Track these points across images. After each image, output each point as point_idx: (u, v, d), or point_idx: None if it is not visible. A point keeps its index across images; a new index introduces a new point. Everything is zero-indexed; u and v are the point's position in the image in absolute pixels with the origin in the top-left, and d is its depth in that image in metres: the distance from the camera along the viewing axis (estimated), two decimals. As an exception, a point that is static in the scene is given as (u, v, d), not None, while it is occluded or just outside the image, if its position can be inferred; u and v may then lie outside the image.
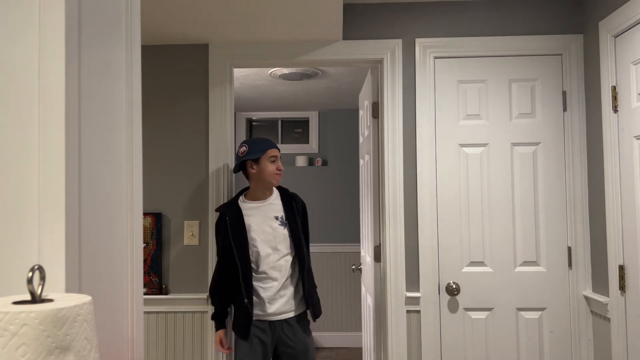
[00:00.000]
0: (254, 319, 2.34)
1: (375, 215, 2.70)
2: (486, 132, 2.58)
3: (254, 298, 2.35)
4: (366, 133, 2.86)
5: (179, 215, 2.67)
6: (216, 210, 2.50)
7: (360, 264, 3.33)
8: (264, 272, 2.36)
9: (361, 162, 3.26)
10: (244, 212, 2.40)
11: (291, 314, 2.38)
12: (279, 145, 5.08)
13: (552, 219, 2.54)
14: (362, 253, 3.24)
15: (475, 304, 2.55)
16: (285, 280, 2.37)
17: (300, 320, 2.41)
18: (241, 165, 2.47)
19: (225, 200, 2.63)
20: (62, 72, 0.86)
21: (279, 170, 2.45)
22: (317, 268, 4.83)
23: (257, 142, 2.45)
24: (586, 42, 2.53)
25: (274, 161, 2.43)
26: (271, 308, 2.35)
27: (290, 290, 2.38)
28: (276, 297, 2.36)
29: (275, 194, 2.49)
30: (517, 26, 2.60)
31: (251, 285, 2.33)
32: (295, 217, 2.42)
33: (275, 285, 2.36)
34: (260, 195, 2.45)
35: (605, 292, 2.34)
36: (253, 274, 2.36)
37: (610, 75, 2.26)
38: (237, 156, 2.52)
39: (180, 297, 2.63)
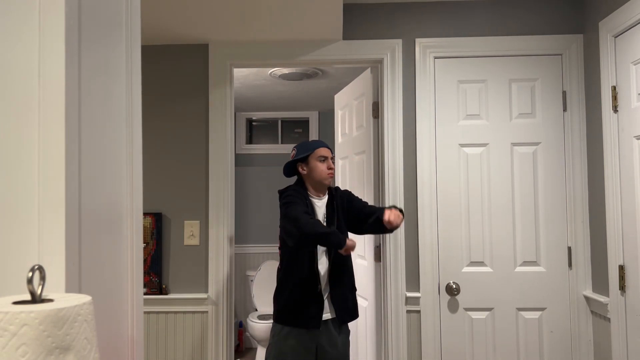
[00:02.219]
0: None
1: (375, 215, 2.70)
2: (486, 132, 2.58)
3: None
4: (353, 133, 2.85)
5: (179, 215, 2.67)
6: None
7: None
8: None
9: (340, 162, 3.27)
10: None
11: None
12: (279, 146, 5.10)
13: (552, 219, 2.54)
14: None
15: (476, 304, 2.55)
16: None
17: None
18: (294, 169, 2.40)
19: (226, 200, 2.64)
20: (62, 72, 0.86)
21: (330, 169, 2.35)
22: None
23: (305, 143, 2.39)
24: (586, 42, 2.53)
25: (323, 160, 2.34)
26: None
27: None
28: None
29: (326, 196, 2.41)
30: (517, 26, 2.60)
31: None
32: (334, 215, 2.33)
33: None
34: (315, 195, 2.38)
35: (605, 292, 2.34)
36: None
37: (610, 75, 2.26)
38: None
39: (180, 297, 2.63)
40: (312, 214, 2.28)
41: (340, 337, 2.33)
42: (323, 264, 2.29)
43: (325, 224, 2.32)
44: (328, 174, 2.35)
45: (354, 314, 2.37)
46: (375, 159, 2.71)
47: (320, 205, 2.36)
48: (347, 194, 2.44)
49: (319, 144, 2.39)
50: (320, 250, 2.30)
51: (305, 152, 2.36)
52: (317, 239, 2.12)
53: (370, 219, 2.30)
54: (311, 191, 2.37)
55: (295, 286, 2.26)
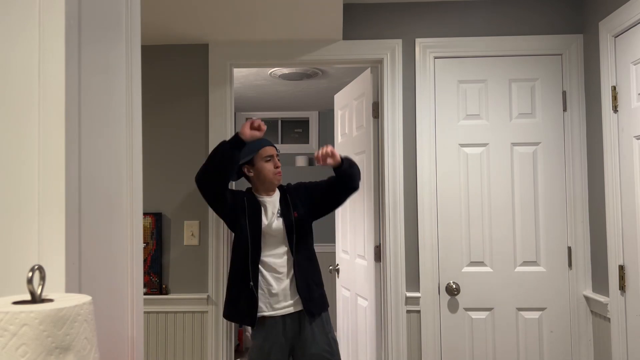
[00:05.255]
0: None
1: (375, 215, 2.70)
2: (486, 132, 2.58)
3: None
4: (353, 133, 2.85)
5: (179, 215, 2.67)
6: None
7: (337, 265, 3.33)
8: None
9: None
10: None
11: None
12: (279, 146, 5.10)
13: (552, 219, 2.54)
14: (342, 254, 3.26)
15: (476, 304, 2.55)
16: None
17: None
18: (239, 172, 2.40)
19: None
20: (62, 72, 0.86)
21: (277, 168, 2.35)
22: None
23: (248, 144, 2.26)
24: (586, 42, 2.53)
25: (269, 160, 2.34)
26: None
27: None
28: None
29: (277, 193, 2.43)
30: (517, 26, 2.60)
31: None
32: (289, 208, 2.34)
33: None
34: (265, 194, 2.40)
35: (605, 292, 2.34)
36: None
37: (610, 75, 2.26)
38: None
39: (180, 297, 2.63)
40: (258, 212, 2.29)
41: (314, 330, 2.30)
42: (275, 256, 2.30)
43: (280, 218, 2.32)
44: (276, 174, 2.34)
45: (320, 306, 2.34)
46: (375, 159, 2.71)
47: (271, 201, 2.36)
48: (300, 185, 2.46)
49: (262, 142, 2.32)
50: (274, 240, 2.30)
51: (249, 153, 2.31)
52: (214, 156, 2.19)
53: (331, 186, 2.33)
54: (260, 191, 2.39)
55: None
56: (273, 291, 2.28)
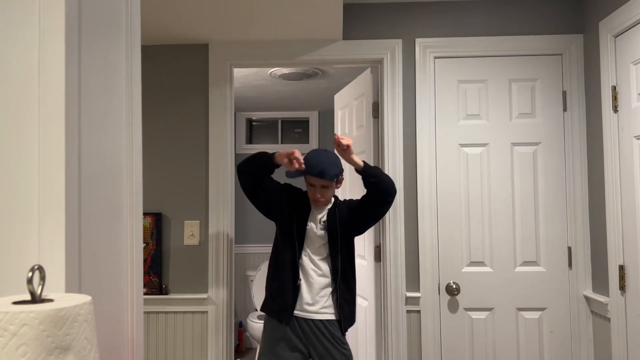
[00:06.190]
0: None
1: (375, 215, 2.70)
2: (486, 132, 2.58)
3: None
4: (353, 133, 2.85)
5: (179, 215, 2.67)
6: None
7: None
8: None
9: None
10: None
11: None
12: (279, 145, 5.09)
13: (552, 219, 2.54)
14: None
15: (476, 304, 2.55)
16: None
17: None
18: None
19: (226, 200, 2.64)
20: (62, 72, 0.86)
21: (315, 196, 2.25)
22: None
23: (309, 159, 2.22)
24: (586, 42, 2.53)
25: (312, 186, 2.25)
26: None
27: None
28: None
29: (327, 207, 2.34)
30: (517, 26, 2.60)
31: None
32: (335, 223, 2.26)
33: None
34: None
35: (605, 292, 2.34)
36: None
37: (610, 75, 2.26)
38: None
39: (180, 297, 2.63)
40: (299, 212, 2.26)
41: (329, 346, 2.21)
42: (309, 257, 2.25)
43: (322, 231, 2.26)
44: (313, 200, 2.27)
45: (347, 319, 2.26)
46: (375, 159, 2.71)
47: (319, 211, 2.29)
48: (348, 201, 2.36)
49: (313, 169, 2.21)
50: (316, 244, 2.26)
51: (298, 175, 2.24)
52: (253, 159, 2.23)
53: (366, 196, 2.25)
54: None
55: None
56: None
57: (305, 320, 2.21)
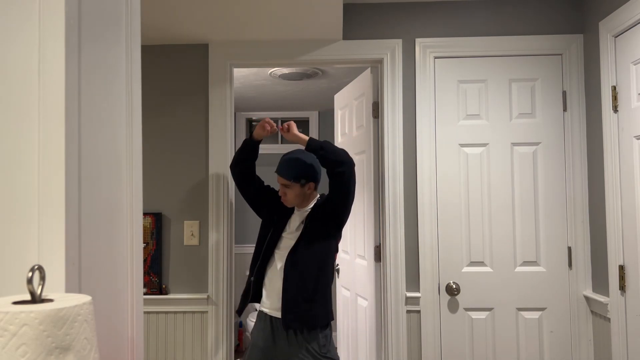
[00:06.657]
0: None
1: (375, 215, 2.70)
2: (486, 132, 2.58)
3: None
4: (353, 133, 2.85)
5: (179, 215, 2.67)
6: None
7: (337, 265, 3.33)
8: None
9: None
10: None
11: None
12: (279, 145, 5.10)
13: (552, 219, 2.54)
14: (343, 254, 3.27)
15: (476, 304, 2.55)
16: None
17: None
18: None
19: (226, 200, 2.65)
20: (62, 72, 0.86)
21: (280, 195, 2.36)
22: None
23: (280, 158, 2.38)
24: (586, 42, 2.53)
25: (281, 185, 2.33)
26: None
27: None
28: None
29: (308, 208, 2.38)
30: (517, 26, 2.60)
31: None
32: (313, 223, 2.28)
33: None
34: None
35: (605, 292, 2.34)
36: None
37: (610, 75, 2.26)
38: None
39: (180, 297, 2.63)
40: (279, 215, 2.38)
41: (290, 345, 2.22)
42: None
43: (295, 233, 2.31)
44: (282, 199, 2.37)
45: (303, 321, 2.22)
46: (375, 159, 2.71)
47: (299, 214, 2.35)
48: (323, 200, 2.35)
49: (279, 168, 2.33)
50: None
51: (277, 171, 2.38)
52: (236, 154, 2.45)
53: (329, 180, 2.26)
54: None
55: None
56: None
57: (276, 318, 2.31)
